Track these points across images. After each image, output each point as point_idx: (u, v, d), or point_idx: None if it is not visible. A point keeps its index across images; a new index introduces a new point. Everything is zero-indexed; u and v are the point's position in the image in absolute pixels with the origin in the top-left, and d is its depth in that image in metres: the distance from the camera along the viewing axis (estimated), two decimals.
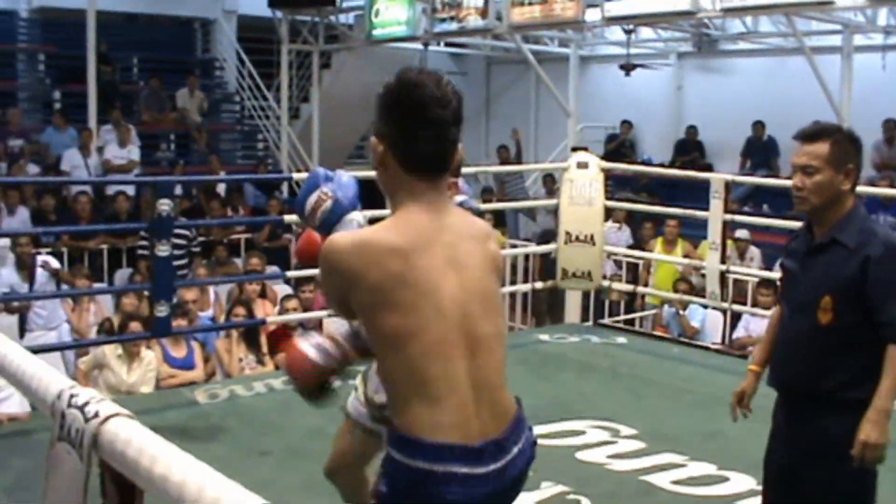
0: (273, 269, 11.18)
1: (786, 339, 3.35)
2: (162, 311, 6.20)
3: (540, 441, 5.32)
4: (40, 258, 9.13)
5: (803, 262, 3.28)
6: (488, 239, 2.54)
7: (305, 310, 8.71)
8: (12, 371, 1.57)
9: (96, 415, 1.30)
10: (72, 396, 1.37)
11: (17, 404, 6.69)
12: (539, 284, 9.01)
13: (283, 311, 8.52)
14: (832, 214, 3.20)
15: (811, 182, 3.17)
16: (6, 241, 9.11)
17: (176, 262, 10.52)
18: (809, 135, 3.24)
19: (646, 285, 10.00)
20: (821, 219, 3.24)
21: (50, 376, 1.47)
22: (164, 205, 6.03)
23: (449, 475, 2.28)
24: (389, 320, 2.30)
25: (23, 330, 8.83)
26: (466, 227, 2.50)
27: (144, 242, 9.95)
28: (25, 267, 9.02)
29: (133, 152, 14.00)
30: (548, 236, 10.86)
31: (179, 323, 7.76)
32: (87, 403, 1.34)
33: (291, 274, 8.84)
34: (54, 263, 9.21)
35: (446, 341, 2.32)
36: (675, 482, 4.96)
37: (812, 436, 3.22)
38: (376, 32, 15.28)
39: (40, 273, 8.99)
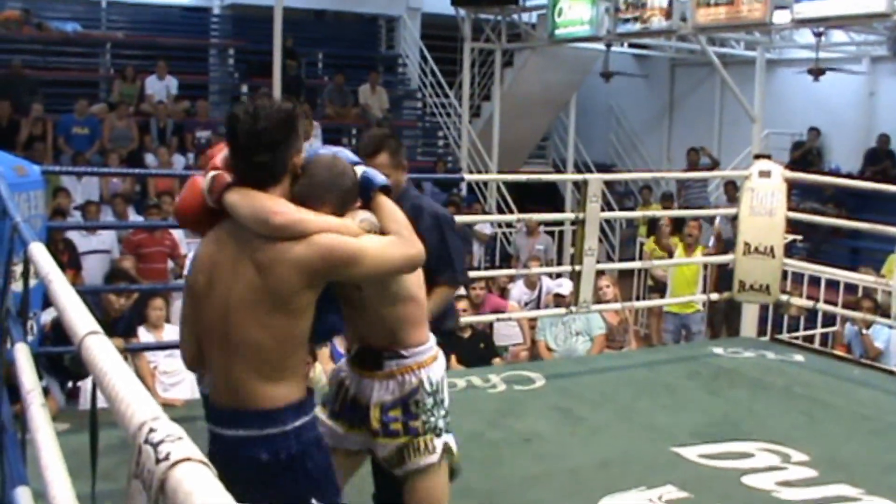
0: None
1: None
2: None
3: (705, 461, 5.23)
4: None
5: None
6: (268, 250, 2.76)
7: (475, 308, 8.69)
8: (108, 391, 1.53)
9: (167, 457, 1.23)
10: (150, 431, 1.31)
11: (188, 389, 6.86)
12: (714, 296, 8.76)
13: None
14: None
15: None
16: None
17: None
18: (370, 151, 3.68)
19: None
20: None
21: (138, 405, 1.41)
22: None
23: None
24: None
25: None
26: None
27: None
28: None
29: (315, 146, 14.22)
30: (726, 246, 10.56)
31: None
32: (161, 442, 1.27)
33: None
34: None
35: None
36: None
37: None
38: (559, 32, 15.15)
39: None
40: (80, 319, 1.97)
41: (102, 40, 16.87)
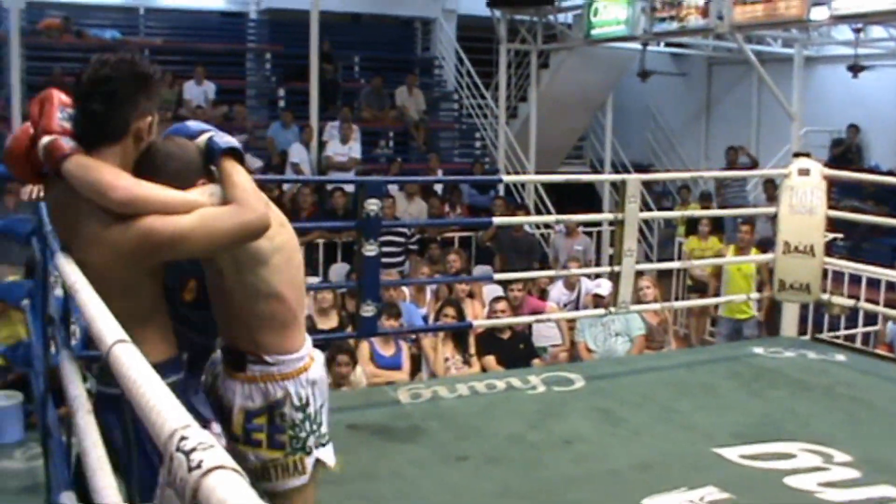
0: (485, 268, 11.24)
1: None
2: (368, 311, 6.23)
3: (746, 462, 5.21)
4: None
5: None
6: (90, 227, 2.68)
7: (514, 310, 8.69)
8: (137, 400, 1.54)
9: (199, 465, 1.23)
10: (181, 439, 1.31)
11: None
12: (755, 295, 8.71)
13: (492, 314, 8.53)
14: None
15: None
16: None
17: (392, 259, 10.77)
18: None
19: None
20: None
21: (168, 413, 1.42)
22: (373, 205, 6.05)
23: None
24: None
25: None
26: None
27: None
28: None
29: (354, 149, 14.36)
30: (766, 245, 10.49)
31: (391, 323, 7.85)
32: (193, 450, 1.27)
33: (499, 276, 8.83)
34: None
35: None
36: None
37: None
38: (595, 32, 15.14)
39: None
40: (108, 328, 1.97)
41: (141, 47, 16.98)
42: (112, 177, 2.64)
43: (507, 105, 17.25)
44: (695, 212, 12.39)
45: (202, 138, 2.89)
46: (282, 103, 16.66)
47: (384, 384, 7.36)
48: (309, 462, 3.10)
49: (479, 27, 17.62)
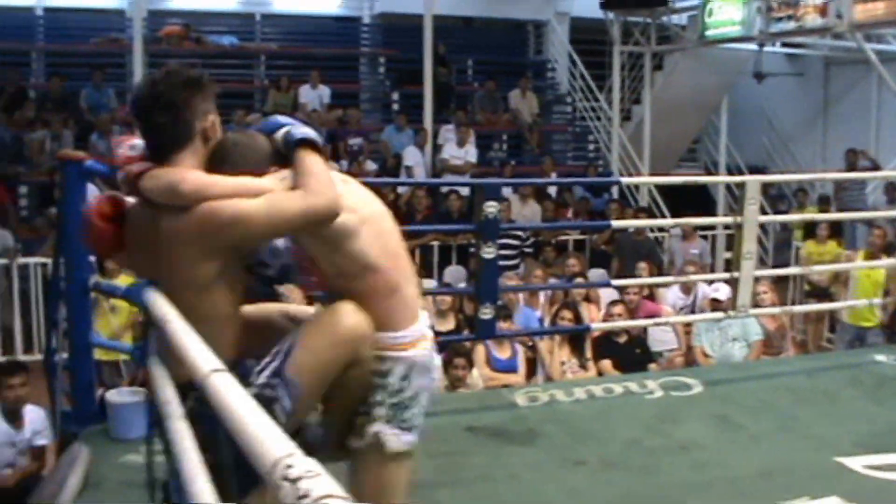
0: (600, 271, 11.21)
1: None
2: (487, 313, 6.27)
3: (871, 473, 5.12)
4: None
5: None
6: (162, 232, 2.80)
7: (631, 313, 8.66)
8: (237, 428, 1.56)
9: (307, 494, 1.24)
10: (287, 467, 1.32)
11: None
12: (877, 301, 8.54)
13: (609, 317, 8.50)
14: None
15: None
16: None
17: (508, 262, 10.80)
18: None
19: None
20: None
21: (271, 442, 1.44)
22: (491, 207, 6.09)
23: None
24: None
25: None
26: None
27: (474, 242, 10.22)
28: None
29: (470, 153, 14.46)
30: (889, 249, 10.25)
31: (503, 325, 7.88)
32: (300, 478, 1.28)
33: (617, 283, 8.79)
34: None
35: None
36: None
37: None
38: (709, 33, 14.99)
39: None
40: (202, 358, 2.00)
41: (257, 52, 17.34)
42: (179, 173, 2.80)
43: (620, 107, 17.16)
44: (815, 215, 12.17)
45: (280, 132, 2.98)
46: (395, 107, 16.82)
47: (500, 387, 7.39)
48: (370, 430, 3.09)
49: (592, 29, 17.55)
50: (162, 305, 2.61)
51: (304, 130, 2.97)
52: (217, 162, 2.92)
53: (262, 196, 2.78)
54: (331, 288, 3.09)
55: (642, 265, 10.09)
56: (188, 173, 2.80)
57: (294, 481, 1.28)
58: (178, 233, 2.74)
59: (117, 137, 3.16)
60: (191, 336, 2.21)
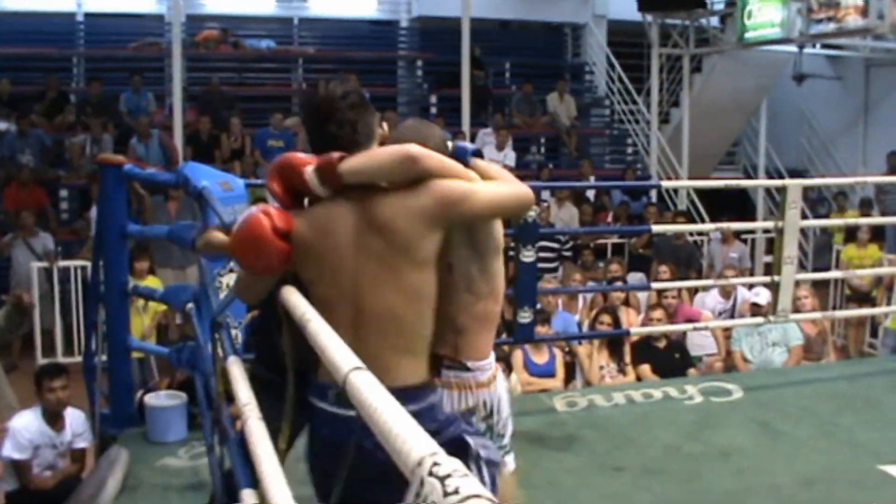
0: (638, 275, 11.14)
1: None
2: (525, 317, 6.26)
3: None
4: None
5: None
6: (385, 206, 2.74)
7: (669, 318, 8.60)
8: (380, 427, 1.57)
9: (456, 491, 1.26)
10: (434, 465, 1.34)
11: None
12: None
13: (648, 321, 8.45)
14: None
15: None
16: None
17: (547, 266, 10.77)
18: None
19: None
20: None
21: (415, 440, 1.45)
22: (530, 211, 6.07)
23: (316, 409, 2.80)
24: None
25: None
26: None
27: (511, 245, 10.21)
28: None
29: (509, 157, 14.44)
30: None
31: (541, 329, 7.84)
32: (448, 476, 1.30)
33: (656, 286, 8.72)
34: None
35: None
36: None
37: None
38: (748, 35, 14.85)
39: None
40: (342, 357, 2.00)
41: (295, 56, 17.38)
42: (393, 148, 2.78)
43: (658, 110, 17.06)
44: (857, 219, 12.03)
45: (449, 144, 3.04)
46: (433, 110, 16.83)
47: (538, 392, 7.37)
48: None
49: (630, 32, 17.47)
50: (301, 304, 2.60)
51: (472, 146, 3.06)
52: (409, 138, 2.89)
53: (476, 179, 2.84)
54: (441, 308, 2.88)
55: (663, 268, 10.01)
56: (405, 146, 2.76)
57: (442, 479, 1.30)
58: (410, 208, 2.71)
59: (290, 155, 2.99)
60: (330, 335, 2.21)
